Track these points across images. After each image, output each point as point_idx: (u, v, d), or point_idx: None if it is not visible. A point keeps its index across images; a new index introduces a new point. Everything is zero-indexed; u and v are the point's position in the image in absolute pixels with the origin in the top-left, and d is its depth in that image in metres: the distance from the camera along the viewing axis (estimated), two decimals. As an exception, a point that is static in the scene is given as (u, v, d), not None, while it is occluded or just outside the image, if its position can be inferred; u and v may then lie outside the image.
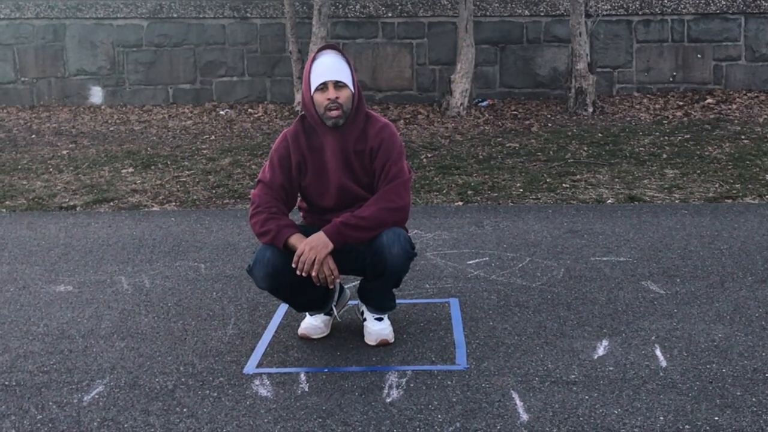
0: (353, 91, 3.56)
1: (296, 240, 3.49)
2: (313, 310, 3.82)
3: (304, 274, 3.43)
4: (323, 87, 3.51)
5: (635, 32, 11.30)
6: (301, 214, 3.83)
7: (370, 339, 3.71)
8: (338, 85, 3.51)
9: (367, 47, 11.42)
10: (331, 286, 3.56)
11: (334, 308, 3.86)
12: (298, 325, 3.87)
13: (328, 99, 3.50)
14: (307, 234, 3.52)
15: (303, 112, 3.66)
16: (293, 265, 3.44)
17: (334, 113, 3.51)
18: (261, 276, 3.53)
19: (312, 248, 3.43)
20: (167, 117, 10.92)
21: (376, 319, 3.74)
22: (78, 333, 3.97)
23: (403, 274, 3.64)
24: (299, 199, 3.78)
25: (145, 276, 4.82)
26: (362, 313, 3.82)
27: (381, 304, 3.73)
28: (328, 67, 3.53)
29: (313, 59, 3.58)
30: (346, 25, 11.39)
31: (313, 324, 3.81)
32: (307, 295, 3.70)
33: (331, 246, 3.45)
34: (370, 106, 11.12)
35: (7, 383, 3.43)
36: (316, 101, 3.53)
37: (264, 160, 8.10)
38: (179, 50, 11.57)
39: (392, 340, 3.71)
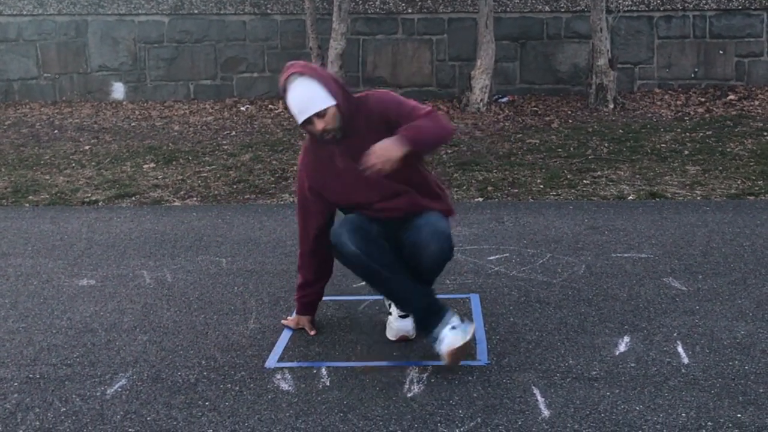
0: (337, 101, 3.37)
1: (302, 321, 3.83)
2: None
3: (377, 169, 3.27)
4: (308, 122, 3.39)
5: (656, 28, 11.23)
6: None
7: (391, 334, 3.71)
8: (319, 114, 3.36)
9: (386, 43, 11.42)
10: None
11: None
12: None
13: (317, 130, 3.39)
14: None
15: None
16: (370, 164, 3.27)
17: (329, 137, 3.42)
18: (348, 236, 3.42)
19: (386, 149, 3.25)
20: (188, 113, 10.97)
21: (401, 315, 3.73)
22: (101, 327, 4.00)
23: (437, 274, 3.60)
24: None
25: (167, 270, 4.85)
26: (389, 306, 3.80)
27: None
28: (302, 101, 3.35)
29: (285, 90, 3.40)
30: (366, 21, 11.39)
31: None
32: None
33: (405, 148, 3.27)
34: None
35: (31, 376, 3.47)
36: (308, 130, 3.46)
37: (283, 156, 8.13)
38: (200, 46, 11.61)
39: (413, 337, 3.71)
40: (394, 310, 3.74)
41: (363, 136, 3.41)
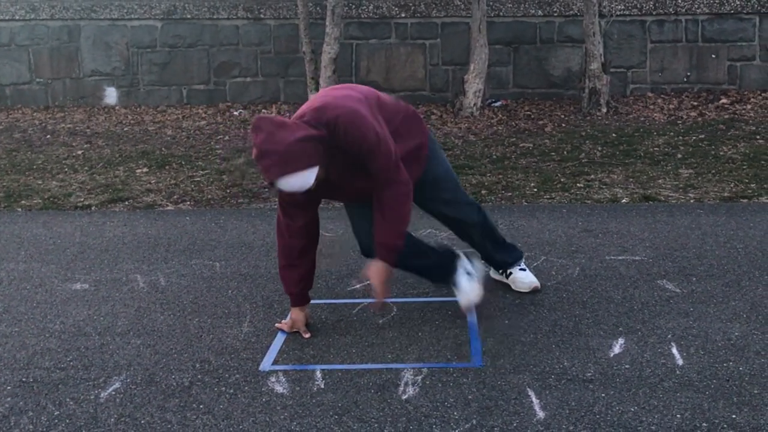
0: (316, 163, 3.30)
1: (297, 324, 3.84)
2: None
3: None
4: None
5: (649, 32, 11.26)
6: None
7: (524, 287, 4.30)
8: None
9: (380, 48, 11.43)
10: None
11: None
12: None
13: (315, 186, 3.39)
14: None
15: None
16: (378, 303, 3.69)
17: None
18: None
19: (381, 282, 3.58)
20: (181, 117, 10.96)
21: (521, 269, 4.32)
22: (94, 330, 3.99)
23: (478, 226, 4.15)
24: None
25: (161, 274, 4.84)
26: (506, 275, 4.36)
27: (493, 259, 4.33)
28: (296, 189, 3.34)
29: (274, 186, 3.38)
30: (359, 25, 11.40)
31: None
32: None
33: (392, 270, 3.63)
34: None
35: (24, 380, 3.45)
36: None
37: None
38: (193, 51, 11.60)
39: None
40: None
41: (344, 149, 3.42)
